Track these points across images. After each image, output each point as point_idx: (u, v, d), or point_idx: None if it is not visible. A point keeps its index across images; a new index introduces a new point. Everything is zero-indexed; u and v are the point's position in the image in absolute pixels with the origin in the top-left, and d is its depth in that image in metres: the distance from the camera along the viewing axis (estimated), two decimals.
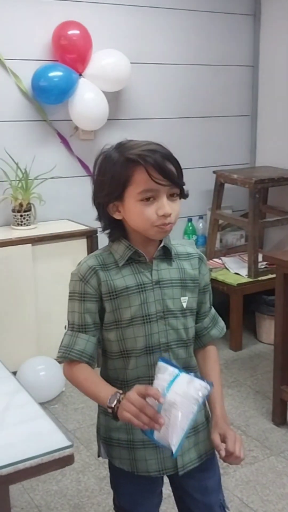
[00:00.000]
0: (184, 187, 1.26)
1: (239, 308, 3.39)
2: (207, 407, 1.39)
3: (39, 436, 1.07)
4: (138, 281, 1.29)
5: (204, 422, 1.40)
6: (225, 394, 2.91)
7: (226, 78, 3.80)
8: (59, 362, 1.32)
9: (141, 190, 1.20)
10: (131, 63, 3.22)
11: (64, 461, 1.02)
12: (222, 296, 3.48)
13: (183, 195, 1.26)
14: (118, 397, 1.15)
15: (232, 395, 2.92)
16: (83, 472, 2.28)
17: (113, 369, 1.34)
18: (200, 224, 3.82)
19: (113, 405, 1.15)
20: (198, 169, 3.73)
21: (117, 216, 1.27)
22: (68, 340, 1.30)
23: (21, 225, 3.05)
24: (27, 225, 3.06)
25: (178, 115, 3.65)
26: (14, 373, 2.72)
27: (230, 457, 1.28)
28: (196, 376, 1.14)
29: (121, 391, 1.17)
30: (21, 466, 0.98)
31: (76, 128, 3.26)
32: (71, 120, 3.19)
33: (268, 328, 3.44)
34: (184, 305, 1.33)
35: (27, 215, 3.06)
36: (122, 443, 1.33)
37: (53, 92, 3.03)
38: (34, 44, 3.10)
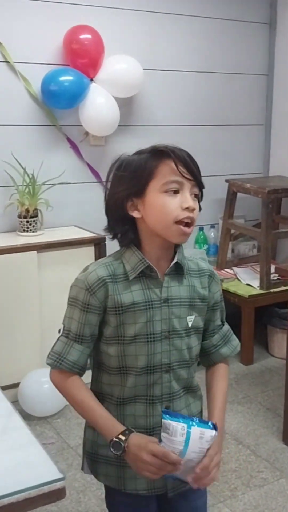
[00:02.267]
0: (201, 195, 1.24)
1: (251, 321, 3.29)
2: None
3: (28, 466, 0.99)
4: (147, 297, 1.22)
5: None
6: (234, 410, 2.82)
7: (240, 87, 3.72)
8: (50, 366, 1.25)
9: (166, 181, 1.18)
10: (143, 69, 3.15)
11: (54, 495, 0.94)
12: (233, 307, 3.38)
13: (199, 200, 1.24)
14: (123, 445, 1.13)
15: (242, 412, 2.81)
16: (84, 492, 2.19)
17: (108, 384, 1.27)
18: (212, 233, 3.73)
19: (117, 453, 1.15)
20: (210, 178, 3.61)
21: (135, 214, 1.21)
22: (61, 348, 1.24)
23: (27, 231, 2.98)
24: (33, 232, 2.99)
25: (190, 123, 3.57)
26: (17, 385, 2.67)
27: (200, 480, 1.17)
28: (200, 422, 1.14)
29: (123, 436, 1.14)
30: (5, 501, 0.90)
31: (87, 133, 3.20)
32: (81, 125, 3.13)
33: (280, 342, 3.33)
34: (190, 324, 1.27)
35: (34, 221, 2.99)
36: (110, 460, 1.26)
37: (64, 96, 2.96)
38: (45, 47, 3.04)
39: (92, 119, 3.06)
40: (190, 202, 1.18)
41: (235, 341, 1.39)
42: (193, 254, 3.45)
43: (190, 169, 1.18)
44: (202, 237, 3.67)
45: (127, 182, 1.20)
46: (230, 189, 3.50)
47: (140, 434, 1.17)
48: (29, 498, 0.92)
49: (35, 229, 3.00)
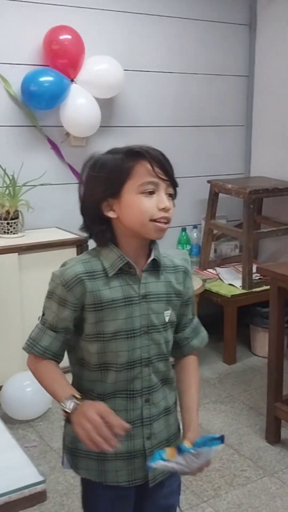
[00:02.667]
0: (175, 193, 1.26)
1: (233, 320, 3.31)
2: (178, 419, 1.38)
3: (8, 469, 0.97)
4: (126, 294, 1.24)
5: (177, 433, 1.38)
6: (218, 410, 2.83)
7: (221, 88, 3.74)
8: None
9: (142, 182, 1.19)
10: (124, 70, 3.15)
11: (35, 498, 0.93)
12: (216, 307, 3.40)
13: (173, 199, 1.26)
14: (74, 403, 1.12)
15: (225, 411, 2.82)
16: (67, 494, 2.17)
17: (89, 380, 1.28)
18: (195, 234, 3.74)
19: (68, 410, 1.13)
20: (192, 178, 3.66)
21: (111, 214, 1.22)
22: (36, 334, 1.27)
23: (8, 233, 2.96)
24: (14, 233, 2.96)
25: (172, 124, 3.58)
26: None
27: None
28: (214, 439, 1.18)
29: (78, 395, 1.15)
30: None
31: (68, 134, 3.18)
32: (62, 126, 3.11)
33: (262, 341, 3.35)
34: (167, 319, 1.30)
35: (14, 222, 2.96)
36: (90, 454, 1.27)
37: (44, 97, 2.95)
38: (24, 48, 3.01)
39: (73, 119, 3.05)
40: (166, 202, 1.20)
41: (204, 333, 1.43)
42: (175, 255, 3.45)
43: (165, 169, 1.20)
44: (184, 237, 3.67)
45: (103, 183, 1.21)
46: (212, 189, 3.51)
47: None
48: (9, 502, 0.91)
49: (16, 230, 2.98)
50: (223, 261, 3.71)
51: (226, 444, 2.55)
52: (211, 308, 3.42)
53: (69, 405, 1.13)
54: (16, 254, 2.80)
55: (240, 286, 3.35)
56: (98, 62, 3.09)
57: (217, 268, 3.60)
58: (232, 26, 3.70)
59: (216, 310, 3.42)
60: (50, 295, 1.26)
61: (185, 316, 1.36)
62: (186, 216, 3.71)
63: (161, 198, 1.20)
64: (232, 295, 3.29)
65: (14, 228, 2.97)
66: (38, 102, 2.97)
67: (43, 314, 1.28)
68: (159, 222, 1.20)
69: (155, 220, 1.20)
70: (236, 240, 3.72)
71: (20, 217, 3.00)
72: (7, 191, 2.93)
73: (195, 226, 3.74)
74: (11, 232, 2.96)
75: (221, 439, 1.20)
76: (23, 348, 1.28)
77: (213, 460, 2.42)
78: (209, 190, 3.54)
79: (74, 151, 3.22)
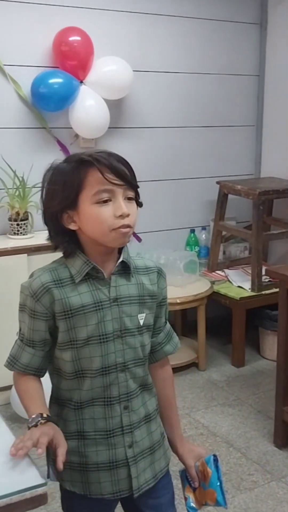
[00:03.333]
0: (137, 193, 1.23)
1: (242, 323, 3.29)
2: (161, 425, 1.38)
3: (11, 471, 0.98)
4: (95, 298, 1.22)
5: (160, 440, 1.36)
6: (225, 413, 2.82)
7: (231, 87, 3.73)
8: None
9: (96, 191, 1.16)
10: (133, 70, 3.15)
11: (36, 501, 0.93)
12: (224, 310, 3.38)
13: (138, 202, 1.22)
14: (36, 421, 1.13)
15: (233, 415, 2.81)
16: None
17: (66, 389, 1.27)
18: (203, 235, 3.73)
19: (29, 425, 1.13)
20: (202, 179, 3.65)
21: (72, 226, 1.20)
22: (16, 351, 1.27)
23: (18, 234, 2.97)
24: (23, 234, 2.97)
25: (181, 124, 3.57)
26: (10, 387, 2.64)
27: None
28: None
29: (45, 415, 1.15)
30: None
31: (77, 136, 3.19)
32: (71, 127, 3.12)
33: (271, 344, 3.33)
34: (141, 322, 1.27)
35: (24, 224, 2.98)
36: (73, 465, 1.26)
37: (53, 99, 2.96)
38: (34, 50, 3.03)
39: (82, 121, 3.05)
40: (123, 209, 1.16)
41: (176, 338, 1.42)
42: (184, 256, 3.44)
43: (119, 174, 1.16)
44: (193, 239, 3.66)
45: (59, 196, 1.18)
46: (221, 190, 3.50)
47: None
48: (10, 503, 0.91)
49: (25, 232, 2.99)
50: (232, 263, 3.69)
51: (234, 447, 2.53)
52: (219, 310, 3.41)
53: (31, 422, 1.13)
54: (25, 255, 2.81)
55: (249, 289, 3.33)
56: (107, 63, 3.09)
57: (226, 270, 3.59)
58: (242, 25, 3.68)
59: (225, 312, 3.40)
60: (21, 307, 1.25)
61: (159, 319, 1.34)
62: (194, 217, 3.70)
63: (118, 205, 1.16)
64: (241, 298, 3.27)
65: (23, 229, 2.98)
66: (48, 103, 2.98)
67: (20, 329, 1.27)
68: (117, 230, 1.17)
69: (112, 229, 1.17)
70: (246, 241, 3.70)
71: (29, 218, 3.01)
72: (17, 193, 2.94)
73: (203, 228, 3.73)
74: (21, 233, 2.97)
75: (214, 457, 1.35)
76: (5, 365, 1.27)
77: (220, 463, 2.41)
78: (218, 191, 3.52)
79: None
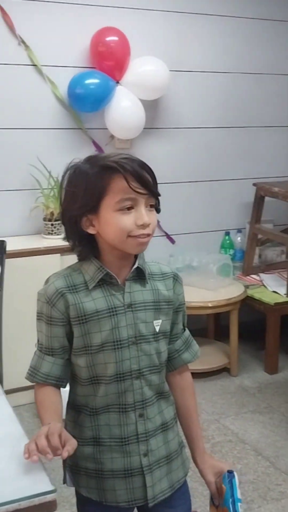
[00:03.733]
0: (159, 203, 1.21)
1: (276, 329, 3.22)
2: (179, 434, 1.35)
3: (21, 476, 0.97)
4: (109, 304, 1.20)
5: (178, 450, 1.33)
6: (255, 420, 2.76)
7: (268, 87, 3.65)
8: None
9: (119, 199, 1.14)
10: (170, 70, 3.13)
11: (44, 508, 0.92)
12: (258, 315, 3.32)
13: (157, 209, 1.21)
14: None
15: (263, 422, 2.75)
16: None
17: (82, 395, 1.26)
18: (239, 238, 3.67)
19: None
20: (238, 181, 3.59)
21: (91, 230, 1.19)
22: (35, 362, 1.25)
23: (52, 234, 3.00)
24: (57, 234, 3.00)
25: (217, 125, 3.52)
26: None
27: None
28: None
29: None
30: None
31: (112, 136, 3.19)
32: (107, 128, 3.12)
33: None
34: (157, 328, 1.25)
35: (58, 224, 3.00)
36: (90, 472, 1.25)
37: (89, 99, 2.97)
38: (71, 50, 3.05)
39: (118, 122, 3.05)
40: (145, 218, 1.15)
41: (196, 346, 1.38)
42: (217, 259, 3.38)
43: (143, 182, 1.15)
44: (228, 242, 3.61)
45: (81, 199, 1.17)
46: (258, 193, 3.43)
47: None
48: (19, 509, 0.91)
49: (59, 232, 3.01)
50: (268, 267, 3.61)
51: (262, 456, 2.48)
52: (253, 315, 3.35)
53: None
54: (59, 255, 2.83)
55: (285, 294, 3.26)
56: (144, 63, 3.08)
57: (261, 274, 3.52)
58: (280, 24, 3.60)
59: (259, 317, 3.34)
60: (39, 316, 1.24)
61: (176, 325, 1.32)
62: (230, 220, 3.65)
63: (140, 214, 1.15)
64: (275, 303, 3.20)
65: (57, 229, 3.00)
66: (84, 104, 2.99)
67: (38, 340, 1.26)
68: (138, 238, 1.16)
69: (132, 236, 1.15)
70: (282, 245, 3.62)
71: None
72: (51, 193, 2.97)
73: (239, 230, 3.67)
74: (55, 233, 3.00)
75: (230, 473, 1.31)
76: (26, 378, 1.26)
77: (248, 472, 2.37)
78: (254, 193, 3.46)
79: None
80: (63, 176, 1.21)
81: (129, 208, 1.15)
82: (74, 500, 1.35)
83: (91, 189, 1.15)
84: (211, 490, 1.34)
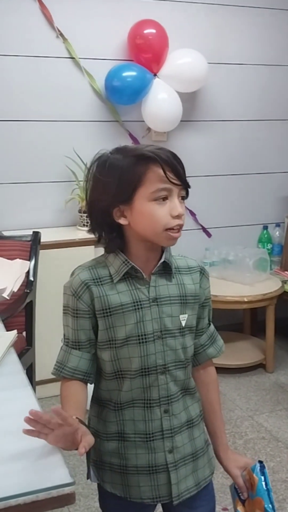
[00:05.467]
0: (187, 195, 1.20)
1: None
2: (205, 431, 1.33)
3: (40, 468, 0.97)
4: (134, 298, 1.19)
5: (204, 447, 1.31)
6: None
7: None
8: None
9: (155, 189, 1.13)
10: (208, 63, 3.09)
11: (63, 500, 0.92)
12: None
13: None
14: None
15: None
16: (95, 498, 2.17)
17: (106, 390, 1.25)
18: (277, 232, 3.59)
19: None
20: (277, 174, 3.51)
21: (122, 221, 1.17)
22: (62, 356, 1.24)
23: (87, 226, 3.01)
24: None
25: (256, 118, 3.46)
26: None
27: None
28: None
29: (76, 417, 1.07)
30: (12, 502, 0.90)
31: (149, 129, 3.18)
32: (143, 121, 3.11)
33: None
34: (183, 323, 1.23)
35: None
36: (114, 467, 1.24)
37: (126, 92, 2.96)
38: (109, 43, 3.05)
39: (154, 114, 3.03)
40: (179, 209, 1.15)
41: (221, 341, 1.36)
42: (254, 254, 3.32)
43: (178, 173, 1.14)
44: (266, 236, 3.55)
45: (114, 189, 1.14)
46: None
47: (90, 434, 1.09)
48: (36, 501, 0.91)
49: None
50: None
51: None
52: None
53: None
54: (93, 247, 2.85)
55: None
56: (182, 56, 3.05)
57: None
58: None
59: None
60: (65, 309, 1.23)
61: (202, 320, 1.30)
62: (268, 214, 3.58)
63: (175, 205, 1.14)
64: None
65: None
66: (121, 97, 2.99)
67: (64, 335, 1.25)
68: (173, 231, 1.15)
69: (167, 228, 1.14)
70: None
71: None
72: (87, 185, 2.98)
73: (277, 224, 3.60)
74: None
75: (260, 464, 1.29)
76: (52, 373, 1.25)
77: (280, 470, 2.33)
78: None
79: None
80: (91, 166, 1.19)
81: (164, 199, 1.14)
82: (92, 495, 1.35)
83: (126, 178, 1.13)
84: (238, 484, 1.31)
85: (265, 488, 1.27)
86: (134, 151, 1.16)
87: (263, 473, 1.29)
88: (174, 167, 1.13)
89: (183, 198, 1.18)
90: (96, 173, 1.18)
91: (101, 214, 1.18)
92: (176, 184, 1.14)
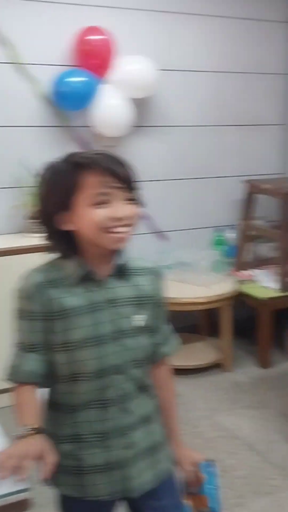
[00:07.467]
0: (137, 194, 1.20)
1: (268, 324, 3.21)
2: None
3: None
4: (90, 300, 1.20)
5: (162, 442, 1.33)
6: (248, 415, 2.76)
7: (258, 86, 3.65)
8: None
9: (92, 194, 1.15)
10: (159, 70, 3.13)
11: (20, 505, 0.91)
12: (251, 310, 3.31)
13: (138, 202, 1.20)
14: (25, 433, 1.12)
15: (255, 417, 2.75)
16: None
17: (62, 393, 1.24)
18: (231, 235, 3.66)
19: (15, 436, 1.12)
20: (229, 178, 3.59)
21: (69, 227, 1.18)
22: (16, 361, 1.23)
23: (35, 232, 2.97)
24: (40, 233, 2.97)
25: (207, 123, 3.52)
26: None
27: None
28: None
29: (33, 426, 1.13)
30: None
31: (99, 134, 3.18)
32: (92, 126, 3.11)
33: None
34: (139, 323, 1.25)
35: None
36: (68, 469, 1.24)
37: (74, 97, 2.97)
38: (56, 49, 3.04)
39: (103, 120, 3.04)
40: (120, 212, 1.15)
41: (175, 340, 1.39)
42: (209, 255, 3.37)
43: (119, 176, 1.15)
44: (220, 238, 3.60)
45: (53, 197, 1.17)
46: (248, 189, 3.43)
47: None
48: None
49: (41, 230, 2.99)
50: (261, 262, 3.61)
51: (254, 450, 2.48)
52: (247, 310, 3.34)
53: (20, 433, 1.12)
54: (40, 253, 2.74)
55: (277, 289, 3.25)
56: (130, 62, 3.07)
57: (254, 270, 3.51)
58: (269, 24, 3.60)
59: (252, 313, 3.33)
60: (18, 313, 1.22)
61: (157, 319, 1.32)
62: (222, 217, 3.65)
63: (116, 208, 1.15)
64: (268, 298, 3.20)
65: (40, 228, 2.98)
66: (68, 102, 2.99)
67: (17, 340, 1.24)
68: (115, 232, 1.16)
69: (109, 231, 1.15)
70: (275, 241, 3.61)
71: None
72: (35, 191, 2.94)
73: (232, 227, 3.66)
74: (37, 231, 2.97)
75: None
76: (7, 379, 1.23)
77: (239, 467, 2.37)
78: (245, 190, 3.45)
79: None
80: (40, 176, 1.21)
81: (105, 203, 1.15)
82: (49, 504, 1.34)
83: (63, 186, 1.15)
84: (188, 479, 1.35)
85: (209, 487, 1.31)
86: (71, 158, 1.18)
87: (208, 472, 1.33)
88: (112, 171, 1.14)
89: (132, 200, 1.18)
90: (42, 181, 1.20)
91: (48, 224, 1.21)
92: (114, 187, 1.14)
